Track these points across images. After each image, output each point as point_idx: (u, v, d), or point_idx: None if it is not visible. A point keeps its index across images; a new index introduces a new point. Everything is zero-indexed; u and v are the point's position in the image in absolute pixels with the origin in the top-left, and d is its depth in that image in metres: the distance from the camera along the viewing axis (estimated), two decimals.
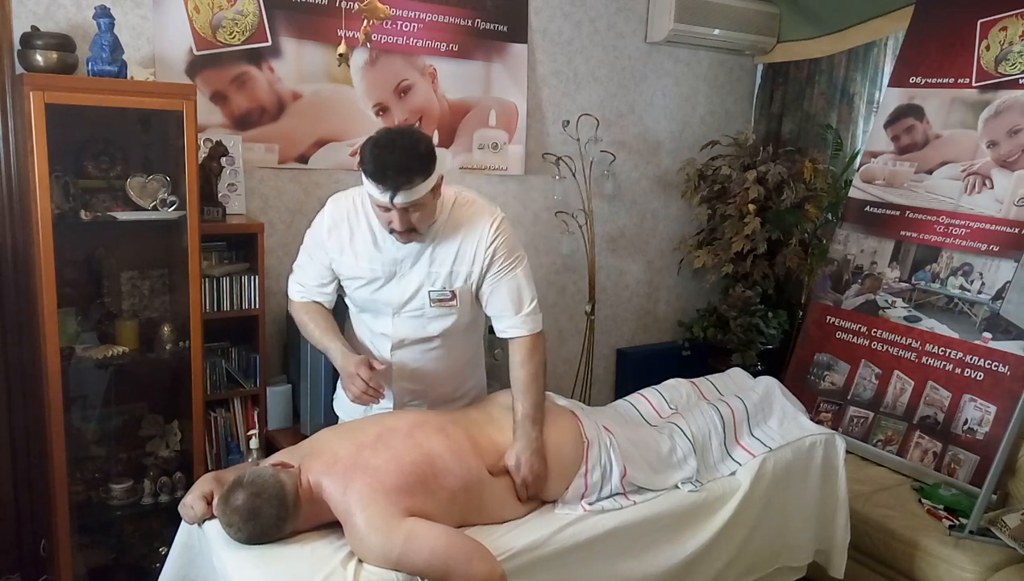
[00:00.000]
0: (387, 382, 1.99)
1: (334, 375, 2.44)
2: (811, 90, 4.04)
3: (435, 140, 3.25)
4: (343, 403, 2.17)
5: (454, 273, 1.93)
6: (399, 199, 1.74)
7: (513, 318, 1.96)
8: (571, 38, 3.57)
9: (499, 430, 1.93)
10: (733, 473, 2.15)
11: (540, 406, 1.93)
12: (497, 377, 2.64)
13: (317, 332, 2.00)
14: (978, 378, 2.88)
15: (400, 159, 1.72)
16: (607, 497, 1.96)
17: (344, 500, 1.67)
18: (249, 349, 2.74)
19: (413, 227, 1.81)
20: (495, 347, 2.84)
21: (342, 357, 1.93)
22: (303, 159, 2.99)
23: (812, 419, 2.45)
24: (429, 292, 1.93)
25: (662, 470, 2.05)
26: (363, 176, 1.77)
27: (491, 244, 1.92)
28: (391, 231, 1.83)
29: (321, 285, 2.02)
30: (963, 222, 3.08)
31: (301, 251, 2.05)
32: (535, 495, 1.90)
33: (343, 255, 1.95)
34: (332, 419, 2.29)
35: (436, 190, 1.82)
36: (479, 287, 1.95)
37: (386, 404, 2.04)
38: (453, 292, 1.94)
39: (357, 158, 1.85)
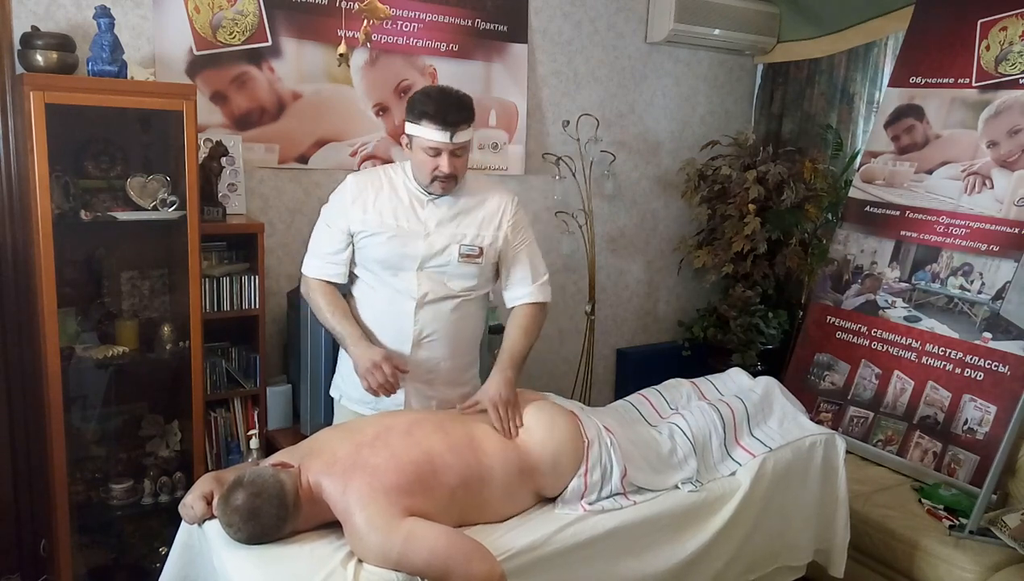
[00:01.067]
0: (403, 371, 2.03)
1: (334, 374, 2.44)
2: (811, 90, 4.04)
3: None
4: (343, 388, 2.18)
5: (480, 234, 2.08)
6: (458, 137, 1.93)
7: (531, 286, 2.15)
8: (571, 38, 3.57)
9: (500, 434, 1.93)
10: (733, 473, 2.15)
11: (523, 358, 2.09)
12: None
13: (332, 314, 2.05)
14: (978, 378, 2.88)
15: (458, 100, 1.95)
16: (607, 497, 1.95)
17: (344, 500, 1.67)
18: (249, 349, 2.74)
19: (455, 174, 1.98)
20: (495, 347, 2.84)
21: (359, 344, 1.99)
22: (303, 159, 2.99)
23: (812, 419, 2.45)
24: (460, 246, 2.06)
25: (662, 470, 2.05)
26: (417, 123, 1.93)
27: (514, 215, 2.12)
28: (434, 180, 1.98)
29: (336, 252, 2.08)
30: (963, 222, 3.08)
31: (317, 226, 2.12)
32: (513, 425, 1.95)
33: (367, 214, 2.04)
34: (332, 419, 2.30)
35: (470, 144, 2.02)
36: (501, 253, 2.12)
37: (396, 400, 2.07)
38: (481, 249, 2.08)
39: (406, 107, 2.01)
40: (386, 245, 2.04)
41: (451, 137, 1.92)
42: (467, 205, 2.08)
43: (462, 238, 2.06)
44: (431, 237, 2.04)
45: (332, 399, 2.30)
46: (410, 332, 2.07)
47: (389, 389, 1.96)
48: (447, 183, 2.00)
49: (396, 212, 2.05)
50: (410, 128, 1.97)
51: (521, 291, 2.15)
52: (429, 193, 2.04)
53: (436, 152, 1.94)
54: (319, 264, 2.11)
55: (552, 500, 1.94)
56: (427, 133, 1.93)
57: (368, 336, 2.06)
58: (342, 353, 2.23)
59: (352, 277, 2.15)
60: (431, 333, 2.08)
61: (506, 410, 1.94)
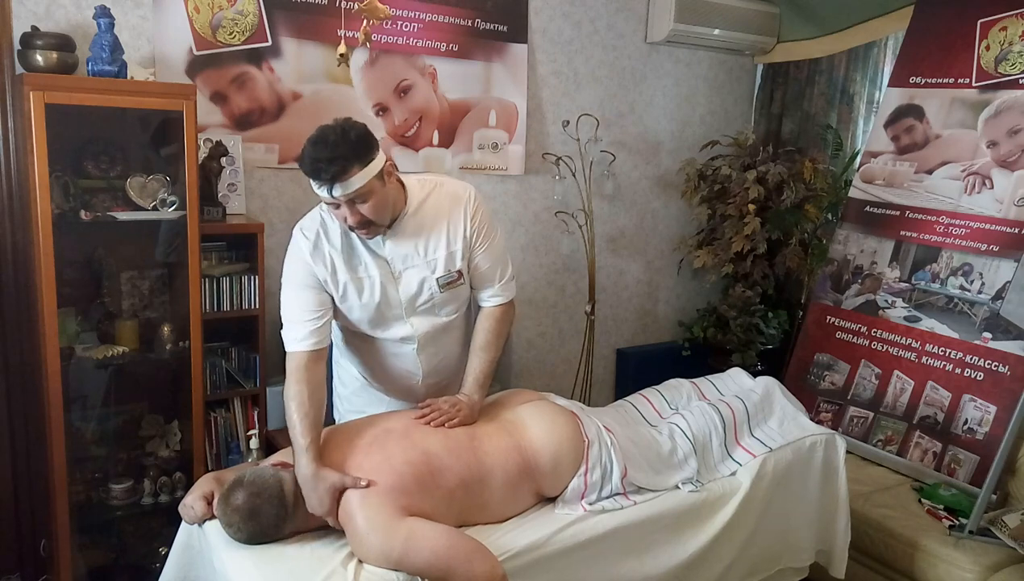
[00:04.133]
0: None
1: (332, 395, 2.44)
2: (811, 90, 4.04)
3: (435, 140, 3.26)
4: (342, 411, 2.19)
5: (451, 254, 1.93)
6: (337, 191, 1.70)
7: (496, 287, 2.03)
8: (571, 38, 3.57)
9: (499, 428, 1.93)
10: (733, 473, 2.15)
11: (488, 377, 1.99)
12: (496, 376, 2.63)
13: (302, 415, 1.78)
14: (978, 378, 2.88)
15: (331, 151, 1.68)
16: (607, 497, 1.95)
17: (343, 501, 1.67)
18: (249, 349, 2.74)
19: (369, 220, 1.77)
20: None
21: (309, 464, 1.70)
22: None
23: (812, 419, 2.45)
24: (437, 279, 1.93)
25: (663, 471, 2.05)
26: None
27: (474, 216, 1.95)
28: (350, 228, 1.80)
29: (318, 317, 1.87)
30: (963, 222, 3.08)
31: (285, 291, 1.91)
32: (439, 422, 1.86)
33: (336, 272, 1.88)
34: (331, 419, 2.30)
35: (384, 177, 1.77)
36: (470, 260, 1.98)
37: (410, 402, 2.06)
38: (459, 272, 1.96)
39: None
40: (362, 308, 1.91)
41: (329, 192, 1.70)
42: (425, 223, 1.90)
43: (434, 267, 1.91)
44: (404, 278, 1.90)
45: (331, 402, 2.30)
46: (419, 371, 2.04)
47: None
48: (367, 230, 1.80)
49: (355, 264, 1.88)
50: None
51: (487, 293, 2.04)
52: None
53: (334, 206, 1.75)
54: (299, 334, 1.86)
55: (552, 500, 1.94)
56: (314, 188, 1.73)
57: (374, 377, 2.03)
58: (336, 374, 2.21)
59: (342, 330, 2.04)
60: (438, 362, 2.06)
61: (451, 417, 1.86)
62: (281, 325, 1.92)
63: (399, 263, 1.91)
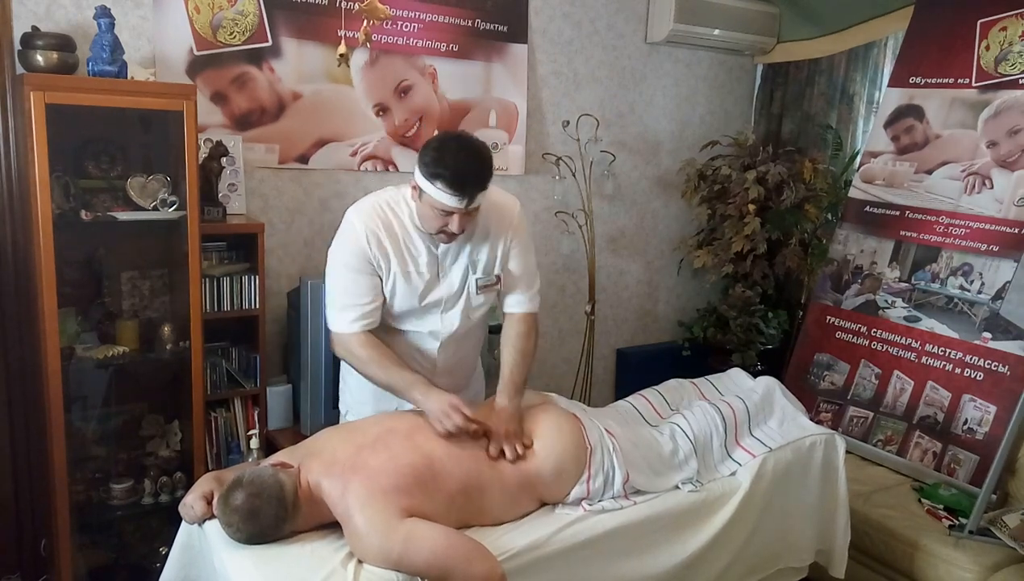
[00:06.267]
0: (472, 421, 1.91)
1: (334, 375, 2.44)
2: (811, 90, 4.04)
3: None
4: (350, 403, 2.18)
5: (492, 259, 2.02)
6: (474, 203, 1.82)
7: (525, 294, 2.09)
8: (571, 38, 3.57)
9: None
10: (733, 473, 2.15)
11: (525, 382, 2.04)
12: (497, 377, 2.63)
13: (386, 369, 1.91)
14: (978, 378, 2.88)
15: (477, 166, 1.81)
16: (608, 499, 1.95)
17: (343, 501, 1.67)
18: (249, 349, 2.74)
19: (465, 229, 1.88)
20: (495, 347, 2.84)
21: (430, 393, 1.86)
22: (303, 159, 2.99)
23: (812, 419, 2.45)
24: (476, 281, 2.01)
25: (664, 472, 2.04)
26: (429, 182, 1.80)
27: (517, 226, 2.04)
28: (439, 233, 1.88)
29: (373, 300, 1.94)
30: (963, 222, 3.08)
31: (339, 275, 1.95)
32: (518, 453, 1.89)
33: (389, 261, 1.93)
34: (332, 419, 2.30)
35: None
36: (505, 266, 2.06)
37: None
38: (498, 276, 2.04)
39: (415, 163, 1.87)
40: (405, 298, 1.97)
41: (467, 205, 1.81)
42: (476, 228, 1.98)
43: (477, 269, 2.00)
44: (448, 277, 1.99)
45: (335, 402, 2.30)
46: (434, 368, 2.07)
47: (461, 431, 1.84)
48: (454, 238, 1.91)
49: (410, 256, 1.95)
50: (421, 181, 1.82)
51: (515, 299, 2.09)
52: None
53: (447, 213, 1.83)
54: (354, 316, 1.93)
55: (553, 504, 1.94)
56: (440, 197, 1.80)
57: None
58: (344, 367, 2.23)
59: None
60: (455, 363, 2.10)
61: (512, 443, 1.88)
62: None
63: (448, 260, 1.99)
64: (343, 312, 1.94)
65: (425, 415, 1.93)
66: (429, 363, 2.07)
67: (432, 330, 2.03)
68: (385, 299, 1.97)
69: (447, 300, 2.01)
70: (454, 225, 1.84)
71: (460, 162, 1.78)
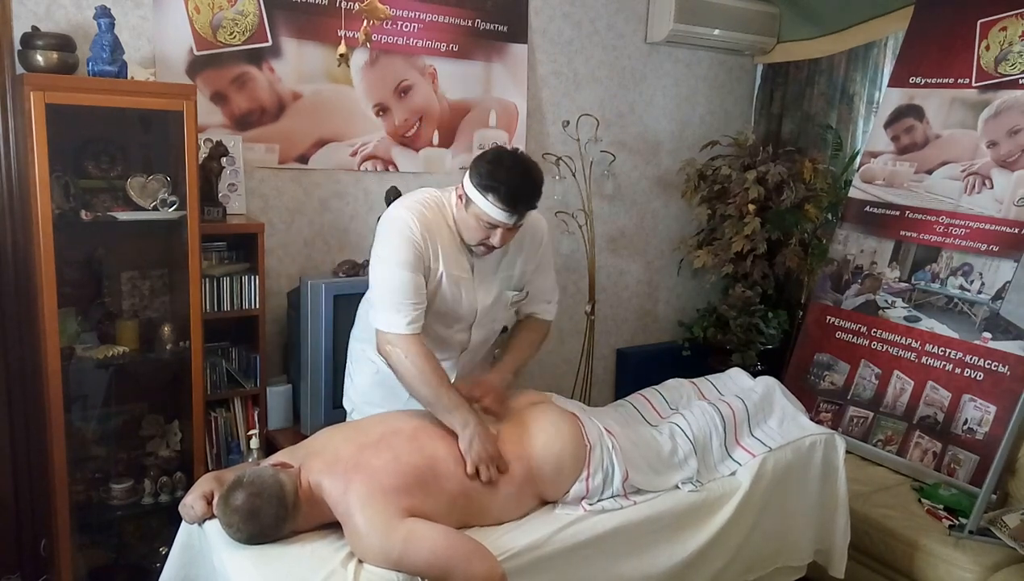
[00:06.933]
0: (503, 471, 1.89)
1: (334, 375, 2.45)
2: (811, 90, 4.04)
3: (435, 140, 3.26)
4: (356, 402, 2.19)
5: (522, 274, 2.08)
6: (520, 221, 1.87)
7: (545, 305, 2.18)
8: (571, 38, 3.57)
9: (503, 436, 1.92)
10: (733, 473, 2.15)
11: (523, 366, 2.15)
12: None
13: (436, 383, 1.85)
14: (978, 378, 2.88)
15: (532, 187, 1.85)
16: (608, 498, 1.96)
17: (344, 500, 1.67)
18: (249, 349, 2.74)
19: (504, 243, 1.91)
20: (496, 347, 2.85)
21: (472, 425, 1.82)
22: (303, 159, 2.99)
23: (812, 419, 2.45)
24: (511, 295, 2.05)
25: (663, 471, 2.05)
26: (480, 194, 1.82)
27: (545, 245, 2.11)
28: (479, 245, 1.91)
29: (422, 301, 1.90)
30: (963, 222, 3.08)
31: (388, 273, 1.89)
32: (493, 418, 1.94)
33: (437, 261, 1.93)
34: (332, 419, 2.30)
35: None
36: (530, 281, 2.12)
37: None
38: (527, 291, 2.11)
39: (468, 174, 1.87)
40: (445, 302, 1.97)
41: (516, 221, 1.85)
42: (512, 244, 2.01)
43: (511, 283, 2.06)
44: (485, 285, 2.02)
45: (335, 402, 2.30)
46: (453, 372, 2.08)
47: (489, 471, 1.80)
48: (492, 250, 1.93)
49: (452, 259, 1.95)
50: (472, 192, 1.83)
51: (535, 308, 2.17)
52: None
53: (492, 226, 1.85)
54: (409, 318, 1.86)
55: (553, 502, 1.94)
56: (489, 210, 1.81)
57: None
58: (350, 364, 2.23)
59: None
60: (470, 369, 2.14)
61: (487, 466, 1.81)
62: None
63: (486, 273, 2.02)
64: (395, 313, 1.87)
65: (427, 416, 1.93)
66: (448, 369, 2.04)
67: (458, 340, 2.07)
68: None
69: (483, 312, 2.04)
70: (496, 239, 1.86)
71: (515, 178, 1.80)
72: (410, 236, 1.88)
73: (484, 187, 1.80)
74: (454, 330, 2.05)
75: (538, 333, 2.17)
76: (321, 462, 1.74)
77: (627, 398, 2.36)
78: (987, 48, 3.13)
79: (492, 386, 1.99)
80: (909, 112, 3.34)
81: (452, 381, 2.01)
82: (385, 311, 1.89)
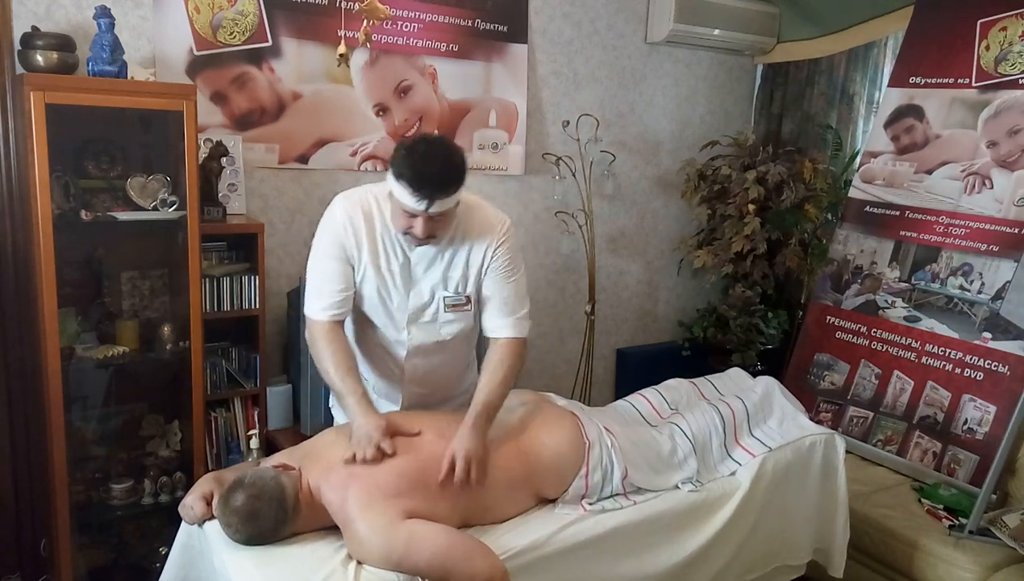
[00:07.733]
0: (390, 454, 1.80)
1: None
2: (811, 90, 4.04)
3: None
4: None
5: (466, 277, 1.95)
6: (432, 208, 1.75)
7: (506, 319, 1.97)
8: (571, 38, 3.57)
9: (502, 435, 1.92)
10: (733, 473, 2.15)
11: (497, 409, 1.90)
12: None
13: (336, 369, 1.85)
14: (978, 378, 2.88)
15: (441, 170, 1.75)
16: (607, 497, 1.96)
17: (343, 506, 1.67)
18: (249, 349, 2.74)
19: (433, 234, 1.82)
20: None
21: (363, 414, 1.79)
22: (303, 159, 2.99)
23: (812, 419, 2.45)
24: (444, 298, 1.94)
25: (663, 471, 2.05)
26: (395, 181, 1.76)
27: (498, 245, 1.94)
28: (405, 234, 1.84)
29: (343, 289, 1.90)
30: (963, 222, 3.08)
31: (314, 261, 1.93)
32: (476, 482, 1.79)
33: (361, 252, 1.90)
34: (332, 419, 2.30)
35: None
36: (480, 286, 1.97)
37: (393, 407, 2.05)
38: (468, 297, 1.97)
39: (379, 162, 1.83)
40: (375, 295, 1.93)
41: (426, 208, 1.75)
42: (454, 241, 1.92)
43: (447, 285, 1.94)
44: (419, 284, 1.93)
45: (331, 400, 2.29)
46: (400, 377, 2.03)
47: (368, 463, 1.74)
48: (423, 242, 1.85)
49: (383, 250, 1.91)
50: (389, 180, 1.78)
51: (494, 323, 1.97)
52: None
53: (411, 215, 1.79)
54: (324, 304, 1.89)
55: (552, 500, 1.94)
56: (402, 197, 1.75)
57: (364, 358, 2.02)
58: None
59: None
60: (424, 374, 2.04)
61: (476, 469, 1.77)
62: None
63: (420, 269, 1.93)
64: (313, 299, 1.91)
65: (425, 416, 1.93)
66: (397, 369, 2.03)
67: (398, 339, 1.98)
68: (355, 292, 1.94)
69: (414, 311, 1.95)
70: (418, 229, 1.79)
71: (425, 164, 1.73)
72: (332, 226, 1.90)
73: (397, 174, 1.75)
74: (393, 329, 1.97)
75: (504, 362, 1.92)
76: (320, 467, 1.74)
77: (627, 398, 2.36)
78: (987, 48, 3.13)
79: (470, 456, 1.78)
80: (909, 112, 3.34)
81: (402, 385, 2.01)
82: (308, 297, 1.93)
